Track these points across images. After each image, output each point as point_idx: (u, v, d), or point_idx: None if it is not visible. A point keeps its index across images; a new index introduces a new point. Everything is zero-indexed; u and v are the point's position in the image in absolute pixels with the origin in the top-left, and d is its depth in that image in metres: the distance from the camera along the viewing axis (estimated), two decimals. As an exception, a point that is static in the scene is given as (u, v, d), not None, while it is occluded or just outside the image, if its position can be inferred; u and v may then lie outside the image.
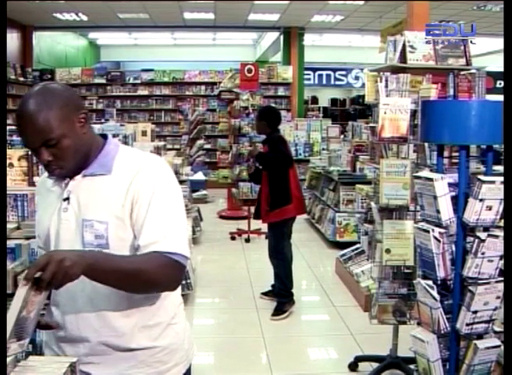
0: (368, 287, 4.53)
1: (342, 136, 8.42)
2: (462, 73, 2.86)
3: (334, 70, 17.18)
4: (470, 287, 2.27)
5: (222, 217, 8.58)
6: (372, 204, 3.43)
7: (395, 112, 3.15)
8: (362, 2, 10.14)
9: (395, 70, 3.39)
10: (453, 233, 2.37)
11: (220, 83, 9.77)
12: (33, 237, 1.97)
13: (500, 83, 10.99)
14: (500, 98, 2.36)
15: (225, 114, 9.19)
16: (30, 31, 12.41)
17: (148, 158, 1.58)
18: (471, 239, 2.29)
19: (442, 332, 2.36)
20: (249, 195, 7.40)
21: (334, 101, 16.48)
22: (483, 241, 2.22)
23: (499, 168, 2.99)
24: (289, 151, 4.86)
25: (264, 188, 4.75)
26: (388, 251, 3.20)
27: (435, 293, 2.31)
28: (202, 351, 3.83)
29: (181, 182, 5.46)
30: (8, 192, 2.70)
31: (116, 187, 1.51)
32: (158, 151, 4.41)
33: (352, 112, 15.64)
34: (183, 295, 1.77)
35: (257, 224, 6.53)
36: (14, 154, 2.98)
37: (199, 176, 9.89)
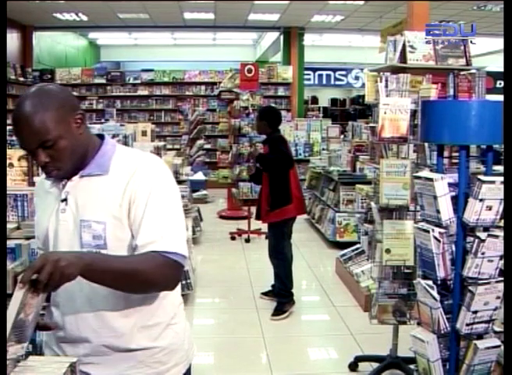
0: (368, 287, 4.53)
1: (342, 136, 8.42)
2: (462, 73, 2.87)
3: (334, 70, 17.17)
4: (470, 287, 2.27)
5: (222, 217, 8.58)
6: (372, 204, 3.43)
7: (395, 112, 3.15)
8: (362, 2, 10.14)
9: (395, 70, 3.39)
10: (453, 233, 2.37)
11: (220, 83, 9.76)
12: (33, 237, 1.97)
13: (500, 83, 10.98)
14: (500, 98, 2.36)
15: (225, 114, 9.19)
16: (30, 31, 12.41)
17: (145, 158, 1.58)
18: (471, 239, 2.29)
19: (442, 332, 2.36)
20: (249, 195, 7.40)
21: (334, 101, 16.48)
22: (483, 241, 2.22)
23: (499, 168, 2.99)
24: (289, 151, 4.86)
25: (264, 188, 4.74)
26: (388, 251, 3.20)
27: (435, 293, 2.31)
28: (202, 351, 3.83)
29: (181, 182, 5.46)
30: (8, 192, 2.71)
31: (113, 187, 1.51)
32: (158, 151, 4.41)
33: (352, 112, 15.63)
34: (183, 295, 1.77)
35: (257, 224, 6.53)
36: (14, 154, 2.98)
37: (199, 176, 9.88)
